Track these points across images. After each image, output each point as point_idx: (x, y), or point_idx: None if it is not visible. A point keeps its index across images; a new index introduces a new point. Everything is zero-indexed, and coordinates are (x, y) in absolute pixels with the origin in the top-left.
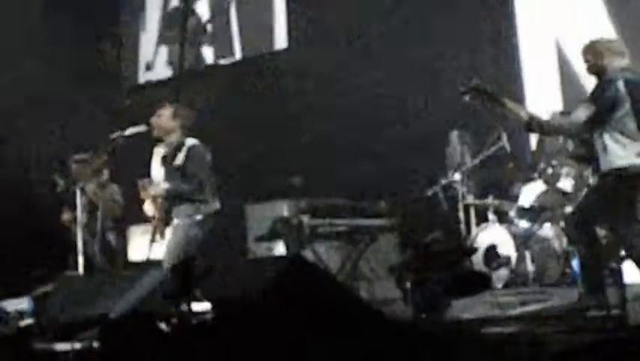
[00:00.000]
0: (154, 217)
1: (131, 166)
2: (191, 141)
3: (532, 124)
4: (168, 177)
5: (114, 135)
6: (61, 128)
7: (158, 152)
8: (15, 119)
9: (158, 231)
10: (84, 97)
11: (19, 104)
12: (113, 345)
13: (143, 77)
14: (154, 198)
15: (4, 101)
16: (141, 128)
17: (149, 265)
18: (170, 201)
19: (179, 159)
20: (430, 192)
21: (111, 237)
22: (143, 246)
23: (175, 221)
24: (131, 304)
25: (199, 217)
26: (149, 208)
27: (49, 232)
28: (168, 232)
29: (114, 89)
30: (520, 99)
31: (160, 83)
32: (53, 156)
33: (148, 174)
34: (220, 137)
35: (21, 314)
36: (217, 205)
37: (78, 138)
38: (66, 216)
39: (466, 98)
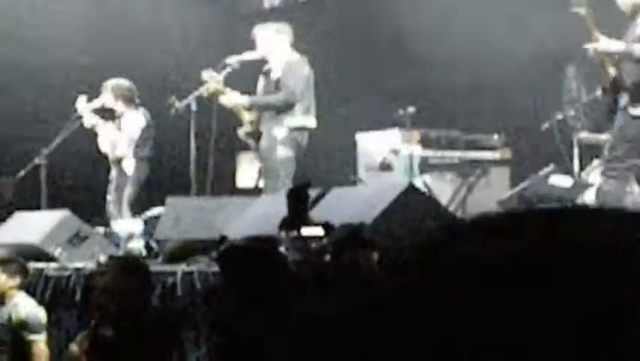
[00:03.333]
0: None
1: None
2: (291, 54)
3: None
4: (265, 89)
5: (228, 60)
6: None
7: (263, 70)
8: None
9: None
10: (197, 22)
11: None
12: (236, 267)
13: (255, 4)
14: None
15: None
16: (257, 53)
17: (258, 191)
18: (261, 118)
19: (277, 72)
20: (544, 127)
21: None
22: (252, 173)
23: (262, 142)
24: (247, 229)
25: (282, 134)
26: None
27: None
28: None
29: (228, 16)
30: None
31: (271, 12)
32: (166, 79)
33: None
34: (332, 65)
35: (131, 236)
36: (308, 121)
37: (191, 63)
38: None
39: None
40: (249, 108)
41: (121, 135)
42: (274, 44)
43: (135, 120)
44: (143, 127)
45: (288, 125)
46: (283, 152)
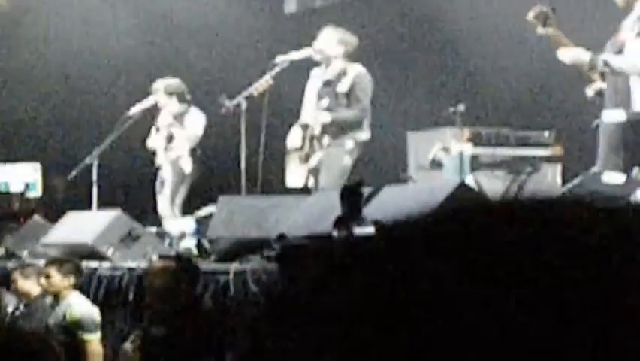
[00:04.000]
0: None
1: (290, 92)
2: (357, 67)
3: (597, 62)
4: (331, 102)
5: (278, 59)
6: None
7: (317, 76)
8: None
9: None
10: (244, 20)
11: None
12: (297, 265)
13: (302, 2)
14: (307, 126)
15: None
16: (307, 52)
17: (309, 191)
18: (326, 127)
19: (345, 84)
20: (595, 123)
21: None
22: (301, 172)
23: (326, 147)
24: (299, 227)
25: (350, 145)
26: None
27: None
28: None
29: (275, 14)
30: None
31: (320, 10)
32: (214, 78)
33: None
34: (382, 63)
35: (183, 235)
36: (368, 135)
37: (239, 62)
38: None
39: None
40: (327, 127)
41: (184, 133)
42: (332, 51)
43: (199, 118)
44: (205, 125)
45: (356, 138)
46: (347, 162)
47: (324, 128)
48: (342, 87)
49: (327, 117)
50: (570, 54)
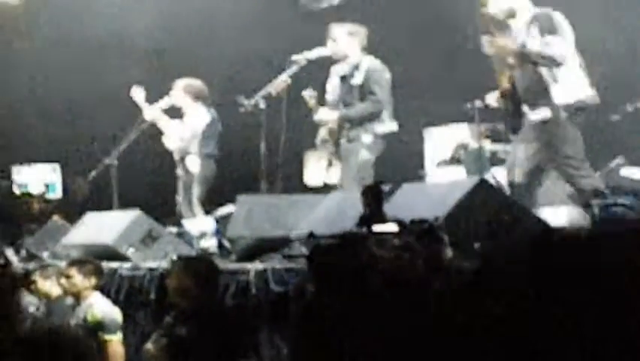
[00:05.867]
0: (327, 141)
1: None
2: (371, 60)
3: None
4: (346, 96)
5: (295, 57)
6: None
7: (336, 71)
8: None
9: (332, 155)
10: (263, 19)
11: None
12: (328, 265)
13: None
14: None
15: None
16: (323, 50)
17: (328, 189)
18: (343, 123)
19: (359, 78)
20: (615, 118)
21: None
22: (319, 171)
23: (344, 142)
24: (318, 226)
25: (368, 139)
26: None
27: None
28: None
29: (294, 12)
30: None
31: (337, 8)
32: (233, 77)
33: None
34: (399, 59)
35: (203, 235)
36: (393, 126)
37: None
38: None
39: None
40: (340, 123)
41: (184, 131)
42: (346, 46)
43: (198, 116)
44: (208, 123)
45: (375, 132)
46: (366, 156)
47: (342, 125)
48: (356, 80)
49: (334, 115)
50: (497, 43)
